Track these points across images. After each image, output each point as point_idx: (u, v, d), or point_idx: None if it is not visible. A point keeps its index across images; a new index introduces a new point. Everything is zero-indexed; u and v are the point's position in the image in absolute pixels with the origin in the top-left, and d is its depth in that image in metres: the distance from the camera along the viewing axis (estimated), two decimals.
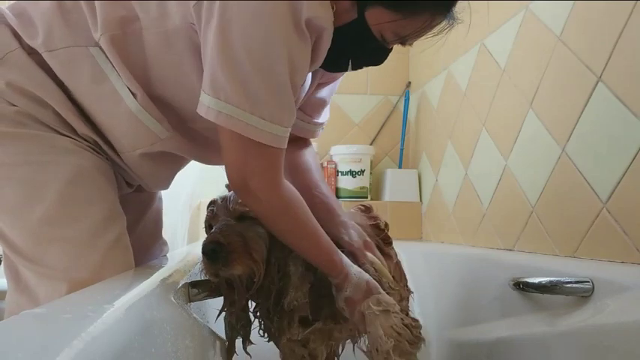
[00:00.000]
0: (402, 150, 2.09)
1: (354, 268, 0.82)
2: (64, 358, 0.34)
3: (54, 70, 0.76)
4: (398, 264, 1.07)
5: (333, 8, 0.76)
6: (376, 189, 2.07)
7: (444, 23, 0.82)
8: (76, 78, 0.77)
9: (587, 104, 1.02)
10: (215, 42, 0.69)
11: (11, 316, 0.75)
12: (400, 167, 2.09)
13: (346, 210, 1.01)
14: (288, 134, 0.75)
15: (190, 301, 0.82)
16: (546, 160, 1.14)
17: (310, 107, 1.00)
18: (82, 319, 0.44)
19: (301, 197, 0.80)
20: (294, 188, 0.80)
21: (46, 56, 0.75)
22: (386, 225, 1.14)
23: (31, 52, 0.76)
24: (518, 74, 1.30)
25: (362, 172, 1.97)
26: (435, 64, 1.88)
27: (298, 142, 1.01)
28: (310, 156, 1.03)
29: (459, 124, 1.66)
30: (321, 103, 1.01)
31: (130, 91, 0.77)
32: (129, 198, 0.94)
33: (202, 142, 0.88)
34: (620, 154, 0.92)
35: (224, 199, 0.82)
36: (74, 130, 0.79)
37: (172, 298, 0.70)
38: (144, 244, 1.00)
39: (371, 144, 2.10)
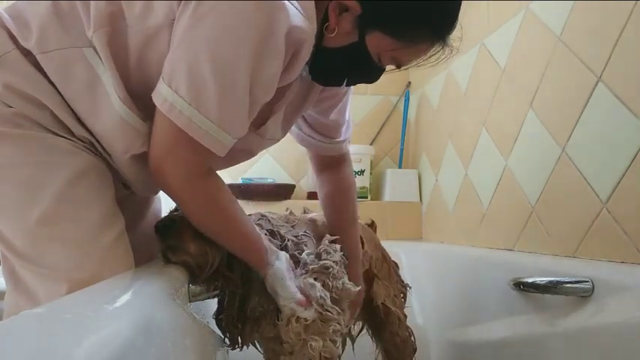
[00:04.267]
0: (402, 150, 2.10)
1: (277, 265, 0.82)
2: (64, 358, 0.34)
3: (47, 73, 0.75)
4: (385, 262, 1.08)
5: (334, 31, 0.78)
6: (376, 189, 2.07)
7: (439, 49, 0.84)
8: (70, 81, 0.76)
9: (587, 104, 1.02)
10: (183, 35, 0.69)
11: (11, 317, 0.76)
12: (400, 167, 2.09)
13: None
14: (231, 145, 0.75)
15: (190, 301, 0.82)
16: (546, 160, 1.14)
17: (327, 129, 1.04)
18: (82, 319, 0.44)
19: (229, 194, 0.79)
20: (221, 184, 0.79)
21: (39, 58, 0.75)
22: (372, 223, 1.16)
23: (27, 54, 0.75)
24: (518, 74, 1.30)
25: (362, 172, 1.97)
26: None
27: (333, 162, 1.07)
28: (347, 180, 1.08)
29: (459, 124, 1.66)
30: (336, 125, 1.04)
31: (115, 92, 0.76)
32: (127, 199, 0.94)
33: None
34: (620, 154, 0.92)
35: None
36: (71, 132, 0.78)
37: (172, 298, 0.70)
38: (143, 245, 1.00)
39: (371, 144, 2.10)
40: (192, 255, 0.77)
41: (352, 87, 1.02)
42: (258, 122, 0.87)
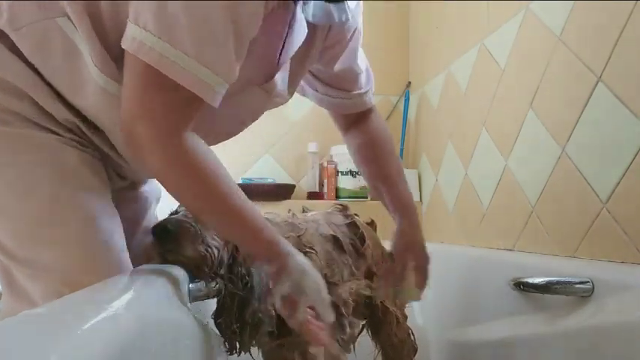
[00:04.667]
0: (402, 150, 2.09)
1: (300, 258, 0.71)
2: (64, 358, 0.34)
3: (25, 53, 0.71)
4: (384, 261, 1.07)
5: None
6: None
7: None
8: (48, 57, 0.71)
9: (587, 104, 1.02)
10: None
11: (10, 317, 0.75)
12: None
13: (324, 210, 1.03)
14: (222, 91, 0.66)
15: (190, 301, 0.82)
16: (546, 160, 1.14)
17: (343, 82, 0.94)
18: (82, 319, 0.44)
19: (214, 158, 0.69)
20: (203, 145, 0.69)
21: (14, 37, 0.70)
22: (372, 222, 1.15)
23: (1, 37, 0.71)
24: (518, 74, 1.30)
25: None
26: (435, 64, 1.88)
27: (359, 119, 0.98)
28: (381, 131, 0.99)
29: (459, 124, 1.66)
30: (351, 75, 0.94)
31: (93, 61, 0.69)
32: (125, 199, 0.92)
33: None
34: (620, 154, 0.92)
35: None
36: (54, 119, 0.74)
37: (172, 298, 0.70)
38: (142, 248, 0.99)
39: None
40: (191, 258, 0.76)
41: (359, 36, 0.94)
42: (264, 77, 0.79)
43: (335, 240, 0.94)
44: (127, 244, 0.83)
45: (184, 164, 0.66)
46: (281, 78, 0.81)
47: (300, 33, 0.79)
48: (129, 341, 0.45)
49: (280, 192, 1.90)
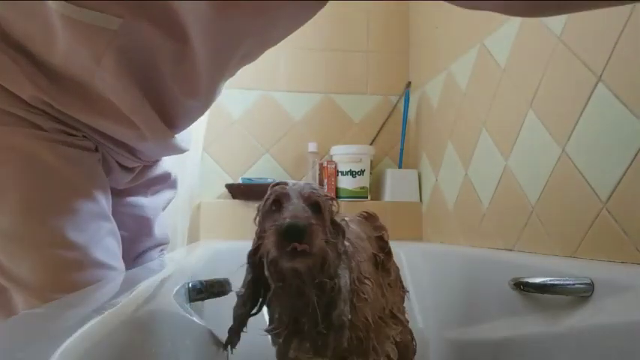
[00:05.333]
0: (402, 150, 2.09)
1: None
2: (64, 358, 0.34)
3: None
4: (397, 278, 1.03)
5: None
6: (376, 189, 2.07)
7: None
8: (13, 6, 0.63)
9: (587, 104, 1.02)
10: None
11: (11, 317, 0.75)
12: (400, 167, 2.09)
13: (350, 214, 0.95)
14: None
15: (190, 301, 0.82)
16: (546, 160, 1.14)
17: None
18: (82, 319, 0.44)
19: None
20: None
21: None
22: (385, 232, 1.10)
23: None
24: (518, 74, 1.30)
25: (362, 172, 1.97)
26: (435, 64, 1.88)
27: None
28: None
29: (459, 124, 1.66)
30: None
31: None
32: (127, 213, 0.90)
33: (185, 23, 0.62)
34: (620, 154, 0.92)
35: (295, 184, 0.74)
36: (25, 102, 0.67)
37: (172, 298, 0.70)
38: (143, 250, 0.99)
39: (371, 144, 2.10)
40: (316, 255, 0.70)
41: None
42: None
43: (375, 258, 0.92)
44: (128, 251, 0.80)
45: None
46: None
47: None
48: (129, 341, 0.45)
49: None
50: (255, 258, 0.74)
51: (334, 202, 0.78)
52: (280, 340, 0.76)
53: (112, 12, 0.60)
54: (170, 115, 0.77)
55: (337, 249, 0.74)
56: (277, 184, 0.74)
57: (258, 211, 0.75)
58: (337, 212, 0.79)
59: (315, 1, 0.68)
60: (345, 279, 0.74)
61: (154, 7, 0.61)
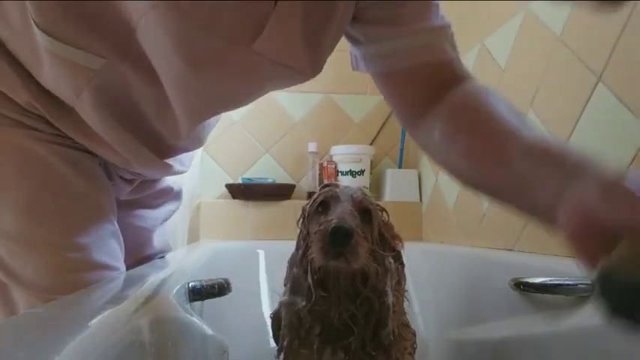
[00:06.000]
0: (402, 150, 2.09)
1: None
2: (64, 358, 0.34)
3: None
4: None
5: None
6: (376, 189, 2.07)
7: None
8: (6, 20, 0.63)
9: (587, 104, 1.02)
10: None
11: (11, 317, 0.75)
12: (400, 167, 2.09)
13: None
14: None
15: (190, 301, 0.82)
16: None
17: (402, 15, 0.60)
18: (82, 319, 0.44)
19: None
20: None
21: None
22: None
23: None
24: (518, 74, 1.30)
25: (362, 172, 1.97)
26: None
27: (443, 88, 0.60)
28: (477, 94, 0.58)
29: None
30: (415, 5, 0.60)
31: (30, 15, 0.59)
32: (130, 225, 0.89)
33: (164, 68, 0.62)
34: (620, 154, 0.92)
35: (346, 187, 0.69)
36: (18, 105, 0.68)
37: (172, 298, 0.70)
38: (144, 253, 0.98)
39: (371, 144, 2.10)
40: (356, 268, 0.66)
41: None
42: (251, 31, 0.57)
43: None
44: (126, 260, 0.80)
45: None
46: (280, 36, 0.58)
47: None
48: (129, 341, 0.45)
49: (280, 192, 1.90)
50: (300, 265, 0.69)
51: (384, 214, 0.74)
52: (312, 348, 0.71)
53: (95, 52, 0.60)
54: (161, 149, 0.77)
55: (384, 263, 0.69)
56: (327, 185, 0.69)
57: (304, 211, 0.70)
58: (386, 224, 0.75)
59: (301, 76, 0.64)
60: (391, 297, 0.70)
61: (134, 52, 0.61)
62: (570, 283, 0.86)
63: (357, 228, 0.63)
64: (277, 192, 1.89)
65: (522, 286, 0.95)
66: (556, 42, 1.12)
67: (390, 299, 0.70)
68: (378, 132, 2.13)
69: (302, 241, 0.71)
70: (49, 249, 0.69)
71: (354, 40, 0.66)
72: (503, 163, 0.48)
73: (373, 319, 0.68)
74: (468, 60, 1.59)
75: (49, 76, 0.65)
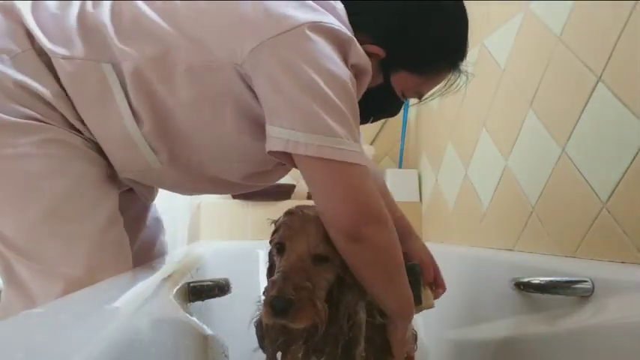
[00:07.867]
0: (402, 150, 2.09)
1: None
2: (64, 358, 0.34)
3: (60, 77, 0.74)
4: None
5: None
6: None
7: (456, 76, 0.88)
8: (81, 90, 0.75)
9: (587, 104, 1.02)
10: (293, 77, 0.67)
11: (4, 312, 0.75)
12: (400, 167, 2.09)
13: None
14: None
15: (190, 301, 0.82)
16: (546, 160, 1.14)
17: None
18: (82, 319, 0.44)
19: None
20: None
21: (55, 62, 0.74)
22: None
23: (41, 54, 0.74)
24: (518, 74, 1.30)
25: None
26: None
27: None
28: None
29: (459, 124, 1.66)
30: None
31: (137, 117, 0.75)
32: (127, 199, 0.93)
33: (192, 176, 0.84)
34: (620, 154, 0.92)
35: (307, 222, 0.72)
36: (80, 132, 0.78)
37: (172, 298, 0.70)
38: (143, 250, 1.00)
39: (371, 144, 2.10)
40: (303, 330, 0.70)
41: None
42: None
43: None
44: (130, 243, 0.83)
45: (394, 246, 0.73)
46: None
47: None
48: (129, 341, 0.45)
49: (280, 192, 1.90)
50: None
51: None
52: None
53: (161, 157, 0.79)
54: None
55: (352, 290, 0.72)
56: (290, 212, 0.74)
57: (270, 244, 0.77)
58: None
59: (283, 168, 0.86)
60: (362, 315, 0.72)
61: (192, 164, 0.81)
62: (570, 283, 0.86)
63: (300, 291, 0.66)
64: (277, 192, 1.89)
65: (523, 286, 0.95)
66: (556, 42, 1.12)
67: (362, 317, 0.72)
68: (378, 132, 2.13)
69: (268, 274, 0.78)
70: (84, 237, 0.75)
71: None
72: None
73: (342, 340, 0.71)
74: (468, 60, 1.59)
75: (112, 149, 0.79)
